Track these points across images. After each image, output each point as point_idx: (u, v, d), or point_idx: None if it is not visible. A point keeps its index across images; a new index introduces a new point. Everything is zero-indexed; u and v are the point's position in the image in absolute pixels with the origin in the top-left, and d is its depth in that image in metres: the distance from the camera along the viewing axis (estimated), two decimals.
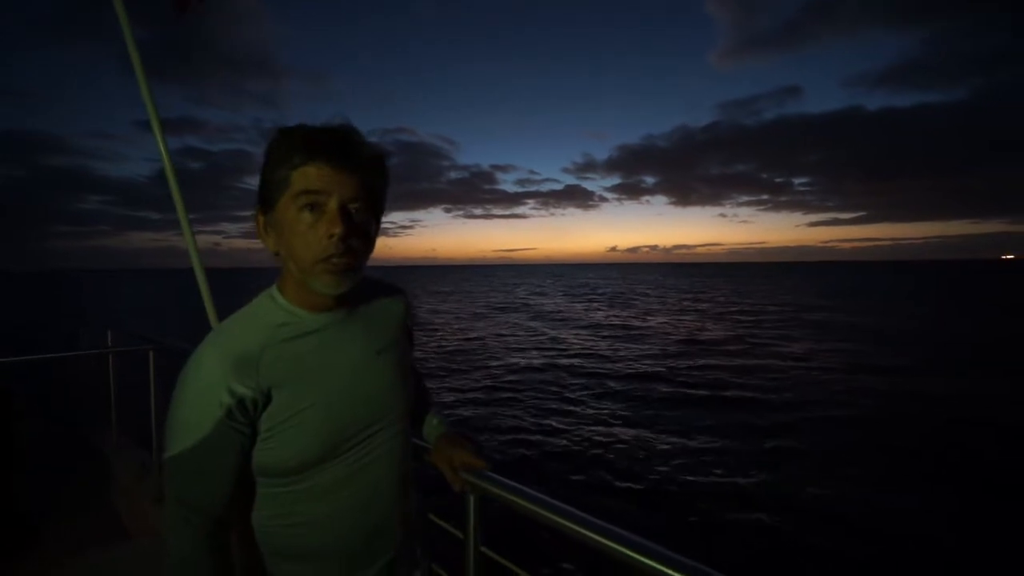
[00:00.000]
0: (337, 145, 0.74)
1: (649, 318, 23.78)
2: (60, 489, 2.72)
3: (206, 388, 0.72)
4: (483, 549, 1.08)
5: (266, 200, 0.77)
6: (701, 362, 13.20)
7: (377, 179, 0.81)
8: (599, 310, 28.68)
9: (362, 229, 0.78)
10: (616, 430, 7.77)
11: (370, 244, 0.82)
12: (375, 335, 0.91)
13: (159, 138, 1.97)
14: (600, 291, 46.49)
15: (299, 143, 0.73)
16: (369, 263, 0.84)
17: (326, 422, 0.79)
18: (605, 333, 18.77)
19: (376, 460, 0.87)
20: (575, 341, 16.86)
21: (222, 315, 2.29)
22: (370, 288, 0.96)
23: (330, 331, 0.84)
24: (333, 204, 0.73)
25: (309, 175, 0.72)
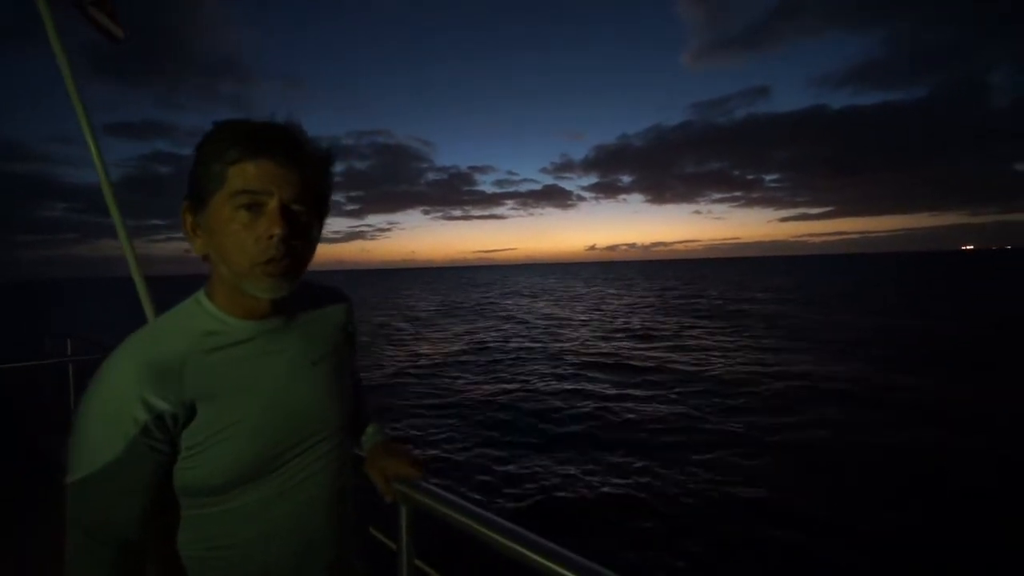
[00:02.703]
0: (280, 141, 0.69)
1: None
2: (16, 502, 2.61)
3: (118, 402, 0.65)
4: (417, 562, 1.06)
5: (196, 198, 0.70)
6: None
7: (322, 180, 0.76)
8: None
9: (304, 231, 0.74)
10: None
11: (312, 247, 0.77)
12: (312, 344, 0.86)
13: (92, 145, 1.91)
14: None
15: (238, 137, 0.67)
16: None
17: (255, 437, 0.74)
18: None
19: (311, 476, 0.82)
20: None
21: None
22: (309, 294, 0.91)
23: (263, 340, 0.78)
24: (274, 203, 0.68)
25: (248, 172, 0.67)
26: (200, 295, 0.78)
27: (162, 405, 0.66)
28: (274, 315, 0.81)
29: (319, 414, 0.84)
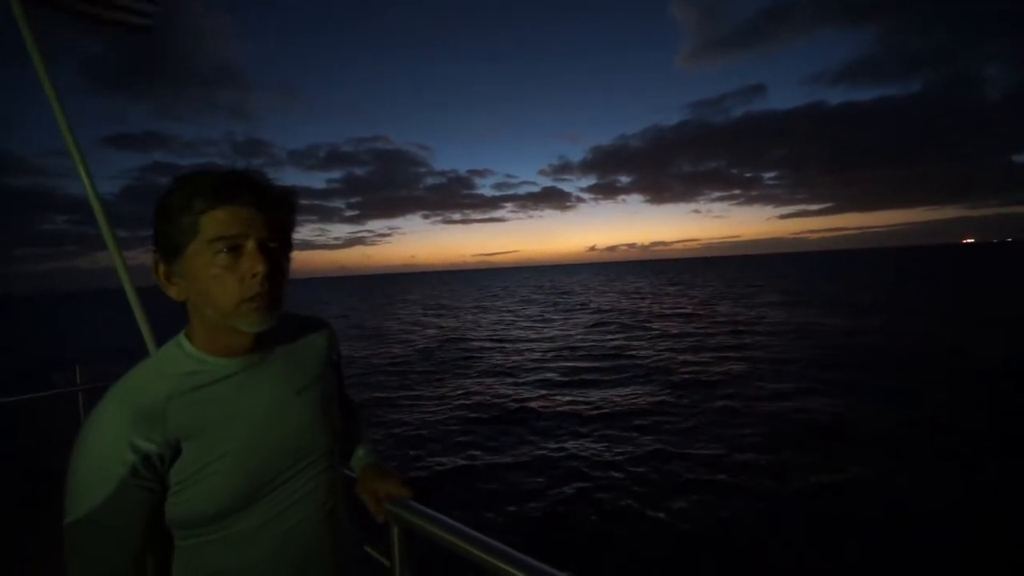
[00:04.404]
0: (246, 187, 0.74)
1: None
2: (27, 538, 2.57)
3: (107, 446, 0.68)
4: None
5: (169, 249, 0.74)
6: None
7: (288, 217, 0.82)
8: None
9: (280, 266, 0.79)
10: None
11: (286, 280, 0.83)
12: (295, 374, 0.89)
13: (78, 159, 1.96)
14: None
15: (204, 189, 0.72)
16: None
17: (242, 469, 0.77)
18: None
19: (301, 499, 0.85)
20: None
21: (159, 336, 2.28)
22: (290, 325, 0.94)
23: (244, 375, 0.82)
24: (252, 244, 0.74)
25: (220, 219, 0.71)
26: (180, 338, 0.81)
27: (148, 446, 0.69)
28: (254, 350, 0.84)
29: (305, 441, 0.86)
